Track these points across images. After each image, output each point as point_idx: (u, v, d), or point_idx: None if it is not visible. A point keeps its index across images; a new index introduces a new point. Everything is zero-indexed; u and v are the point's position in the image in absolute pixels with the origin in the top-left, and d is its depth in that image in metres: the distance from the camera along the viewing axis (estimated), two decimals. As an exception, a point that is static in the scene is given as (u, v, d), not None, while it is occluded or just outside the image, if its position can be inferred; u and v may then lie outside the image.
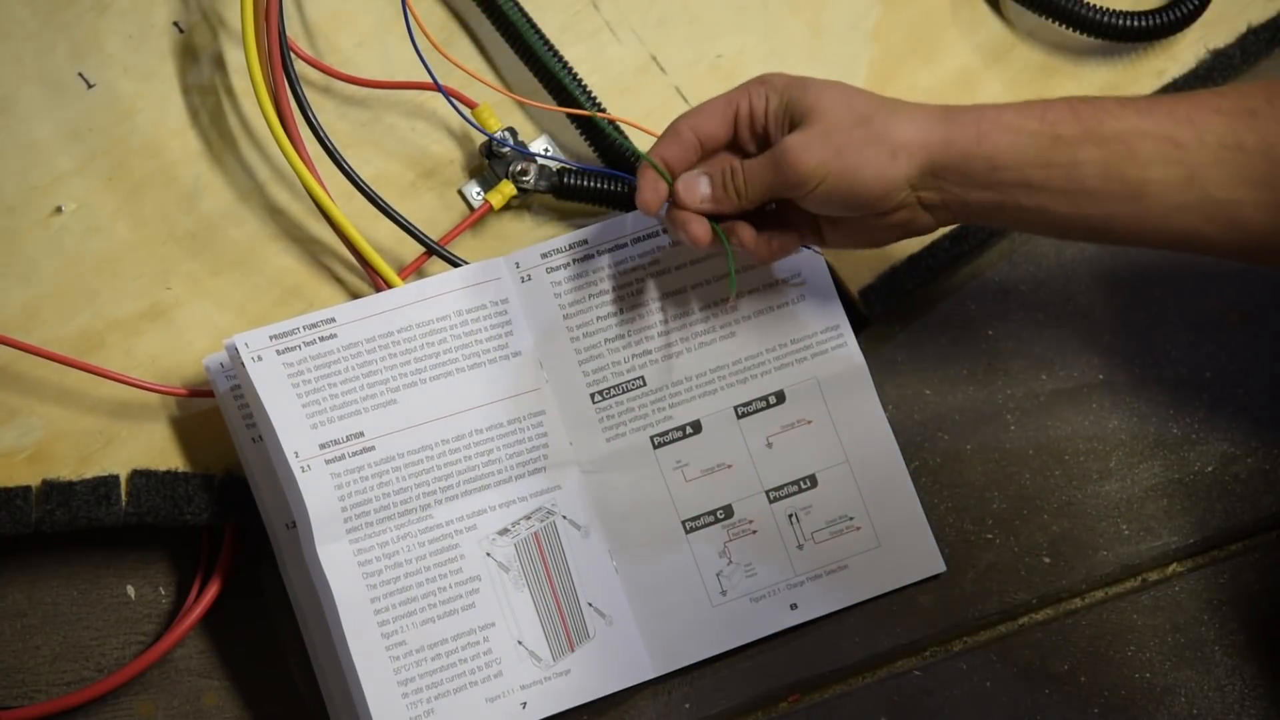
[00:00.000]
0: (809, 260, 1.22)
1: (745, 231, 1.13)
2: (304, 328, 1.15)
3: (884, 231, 1.12)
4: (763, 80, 1.12)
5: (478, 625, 1.16)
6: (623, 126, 1.24)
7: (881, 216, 1.10)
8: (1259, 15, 1.31)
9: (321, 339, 1.15)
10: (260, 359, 1.14)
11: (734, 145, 1.14)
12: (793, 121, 1.10)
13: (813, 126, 1.08)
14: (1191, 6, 1.28)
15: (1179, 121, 1.02)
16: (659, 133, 1.18)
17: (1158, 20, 1.28)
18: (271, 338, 1.14)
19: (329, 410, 1.14)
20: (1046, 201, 1.06)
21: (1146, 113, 1.04)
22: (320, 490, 1.13)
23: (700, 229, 1.12)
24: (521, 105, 1.26)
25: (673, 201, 1.12)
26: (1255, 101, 1.02)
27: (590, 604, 1.18)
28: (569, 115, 1.25)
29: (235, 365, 1.14)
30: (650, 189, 1.12)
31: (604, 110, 1.24)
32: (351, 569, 1.14)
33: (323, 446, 1.14)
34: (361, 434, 1.15)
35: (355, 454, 1.14)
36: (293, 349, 1.15)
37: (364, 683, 1.12)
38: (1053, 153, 1.05)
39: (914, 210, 1.10)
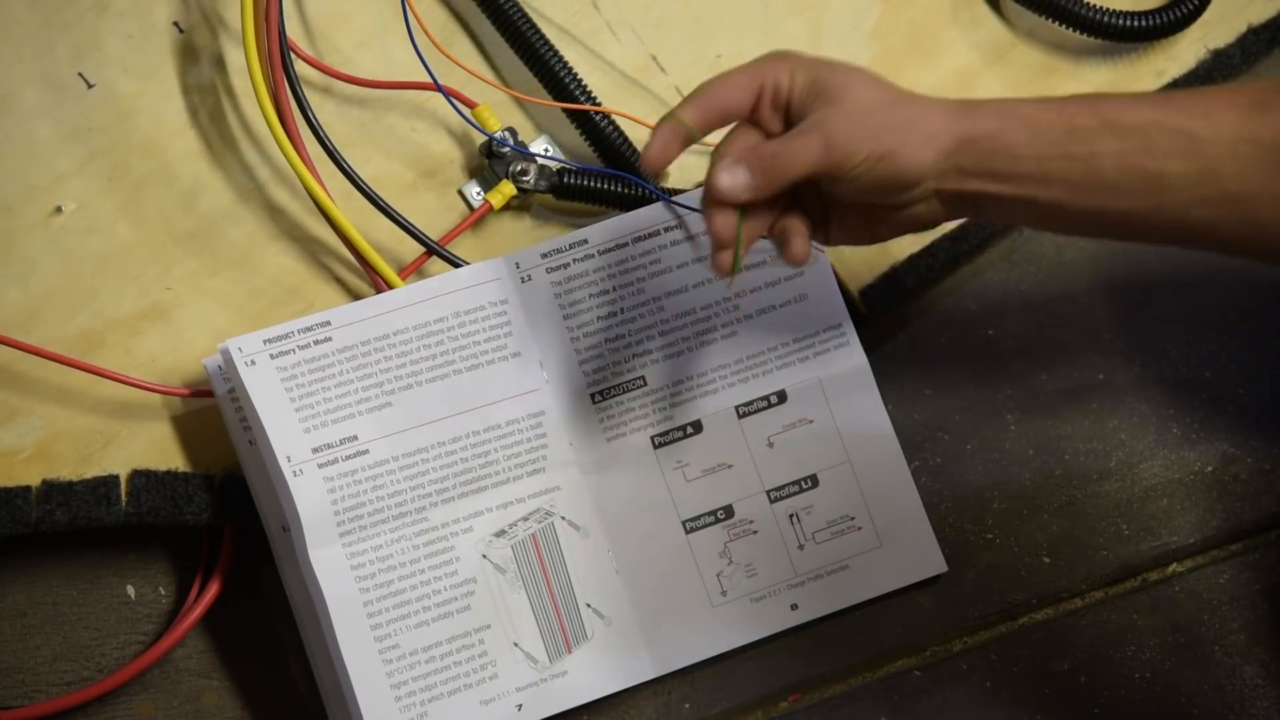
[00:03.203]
0: (811, 259, 1.22)
1: (799, 243, 1.10)
2: (298, 331, 1.15)
3: (892, 226, 1.11)
4: (784, 56, 1.09)
5: (473, 628, 1.16)
6: (622, 123, 1.24)
7: (898, 209, 1.09)
8: (1259, 15, 1.31)
9: (316, 342, 1.15)
10: (254, 363, 1.14)
11: (751, 120, 1.11)
12: (823, 96, 1.07)
13: (850, 106, 1.06)
14: (1191, 6, 1.28)
15: (1194, 115, 1.02)
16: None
17: (1158, 20, 1.28)
18: (265, 342, 1.14)
19: (323, 414, 1.14)
20: (1064, 195, 1.06)
21: (1163, 106, 1.03)
22: (313, 494, 1.13)
23: (726, 226, 1.08)
24: (522, 106, 1.26)
25: (709, 190, 1.08)
26: (1267, 95, 1.02)
27: (589, 605, 1.18)
28: (569, 115, 1.24)
29: (229, 370, 1.14)
30: (660, 147, 1.08)
31: (606, 117, 1.24)
32: (344, 573, 1.14)
33: (315, 450, 1.14)
34: (355, 437, 1.15)
35: (349, 458, 1.14)
36: (287, 353, 1.15)
37: (356, 686, 1.13)
38: (1071, 144, 1.04)
39: (929, 203, 1.09)
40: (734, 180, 1.07)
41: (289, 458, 1.13)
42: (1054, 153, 1.04)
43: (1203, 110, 1.02)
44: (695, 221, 1.21)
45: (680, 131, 1.08)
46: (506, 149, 1.23)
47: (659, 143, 1.08)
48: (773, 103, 1.09)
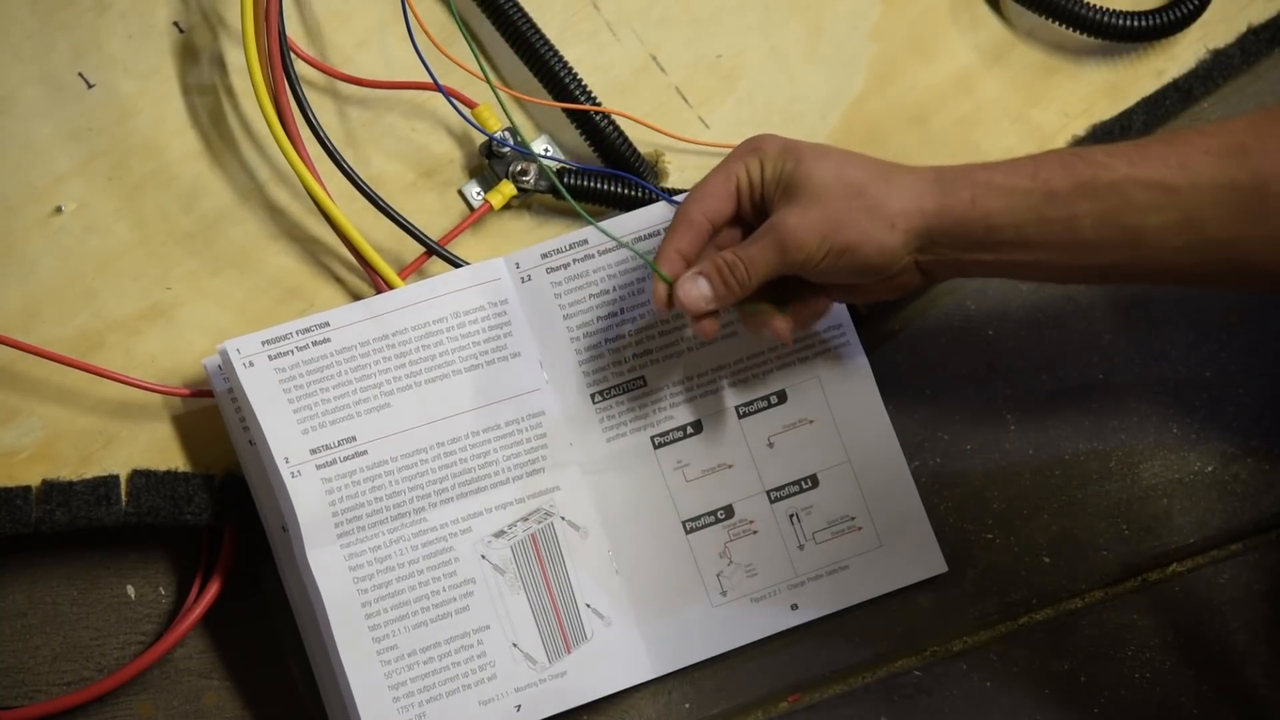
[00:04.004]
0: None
1: (780, 324, 1.14)
2: (297, 332, 1.15)
3: (888, 291, 1.12)
4: (754, 147, 1.12)
5: (471, 628, 1.16)
6: (622, 123, 1.24)
7: (883, 281, 1.11)
8: (1259, 15, 1.31)
9: (314, 343, 1.15)
10: (252, 364, 1.14)
11: (736, 216, 1.14)
12: (786, 191, 1.10)
13: (809, 201, 1.08)
14: (1191, 6, 1.28)
15: (1171, 167, 1.03)
16: (660, 128, 1.18)
17: (1158, 20, 1.28)
18: (264, 343, 1.14)
19: (321, 415, 1.14)
20: (1044, 256, 1.07)
21: (1138, 161, 1.04)
22: (311, 496, 1.13)
23: (709, 327, 1.13)
24: (522, 105, 1.26)
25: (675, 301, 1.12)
26: (1243, 138, 1.03)
27: (589, 605, 1.18)
28: (569, 115, 1.24)
29: (227, 371, 1.14)
30: (662, 295, 1.13)
31: (606, 117, 1.24)
32: (342, 574, 1.14)
33: (314, 452, 1.14)
34: (354, 438, 1.15)
35: (347, 459, 1.14)
36: (285, 354, 1.15)
37: (354, 686, 1.13)
38: (1048, 209, 1.05)
39: (910, 273, 1.10)
40: (697, 292, 1.11)
41: (287, 459, 1.13)
42: (1031, 218, 1.05)
43: (1179, 161, 1.03)
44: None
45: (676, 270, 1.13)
46: (506, 149, 1.23)
47: (661, 295, 1.13)
48: (750, 198, 1.11)
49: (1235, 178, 1.02)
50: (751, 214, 1.13)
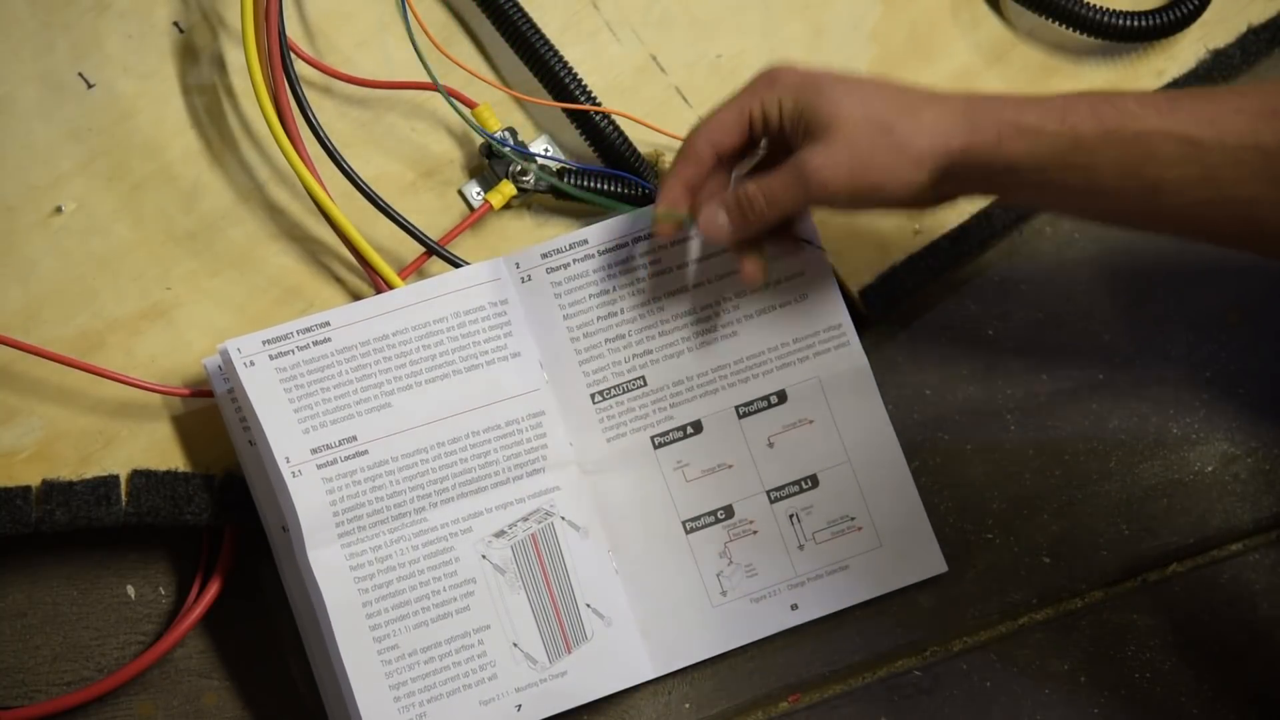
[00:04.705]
0: (811, 259, 1.22)
1: (751, 267, 1.15)
2: (298, 332, 1.15)
3: (897, 210, 1.12)
4: (771, 80, 1.11)
5: (472, 628, 1.16)
6: (622, 123, 1.24)
7: (897, 207, 1.11)
8: (1259, 15, 1.31)
9: (315, 343, 1.15)
10: (253, 364, 1.14)
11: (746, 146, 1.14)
12: (808, 127, 1.09)
13: (834, 139, 1.08)
14: (1191, 6, 1.28)
15: (1200, 122, 1.02)
16: (660, 127, 1.18)
17: (1158, 20, 1.28)
18: (264, 342, 1.14)
19: (322, 415, 1.14)
20: (1061, 198, 1.07)
21: (1168, 113, 1.03)
22: (312, 495, 1.13)
23: (753, 271, 1.15)
24: (522, 105, 1.26)
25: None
26: (1277, 101, 1.02)
27: (589, 605, 1.18)
28: (569, 115, 1.24)
29: (228, 370, 1.14)
30: (670, 229, 1.14)
31: (607, 117, 1.24)
32: (343, 573, 1.14)
33: (314, 451, 1.14)
34: (354, 438, 1.15)
35: (348, 458, 1.14)
36: (286, 354, 1.15)
37: (355, 686, 1.12)
38: (1072, 155, 1.05)
39: (929, 200, 1.10)
40: (715, 224, 1.12)
41: (288, 458, 1.13)
42: (1054, 163, 1.05)
43: (1209, 116, 1.02)
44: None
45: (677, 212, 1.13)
46: (506, 149, 1.23)
47: (666, 230, 1.14)
48: (764, 130, 1.10)
49: (1263, 139, 1.01)
50: (764, 142, 1.13)
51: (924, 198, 1.09)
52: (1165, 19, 1.28)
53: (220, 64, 1.24)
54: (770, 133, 1.11)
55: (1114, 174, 1.04)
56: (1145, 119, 1.04)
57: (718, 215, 1.12)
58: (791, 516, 1.21)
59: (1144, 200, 1.04)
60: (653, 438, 1.21)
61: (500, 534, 1.17)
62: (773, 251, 1.16)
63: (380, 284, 1.19)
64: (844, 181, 1.07)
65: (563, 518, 1.19)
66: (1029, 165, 1.05)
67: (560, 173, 1.24)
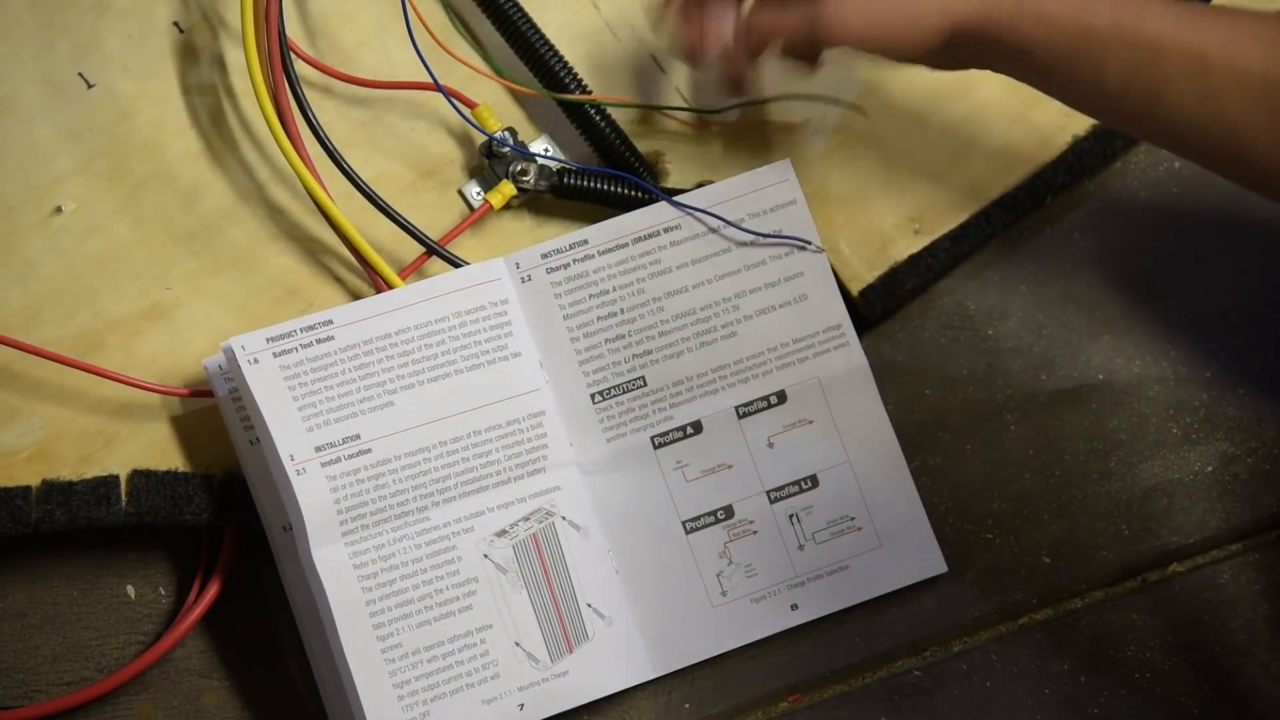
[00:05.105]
0: (811, 259, 1.22)
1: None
2: (301, 330, 1.15)
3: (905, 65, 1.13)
4: None
5: (474, 627, 1.16)
6: (622, 123, 1.24)
7: (906, 62, 1.11)
8: (1259, 15, 1.31)
9: (318, 341, 1.15)
10: (256, 362, 1.14)
11: None
12: None
13: None
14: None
15: (1216, 41, 1.02)
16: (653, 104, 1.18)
17: (1158, 19, 1.27)
18: (268, 340, 1.14)
19: (325, 413, 1.14)
20: (1065, 88, 1.08)
21: (1185, 23, 1.03)
22: (315, 493, 1.13)
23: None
24: (522, 106, 1.26)
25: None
26: None
27: (589, 605, 1.18)
28: (569, 115, 1.24)
29: (232, 368, 1.14)
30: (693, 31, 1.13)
31: (606, 117, 1.24)
32: (346, 572, 1.14)
33: (318, 449, 1.14)
34: (358, 436, 1.15)
35: (351, 457, 1.14)
36: (289, 351, 1.15)
37: (358, 685, 1.12)
38: (1083, 48, 1.04)
39: (935, 61, 1.10)
40: (716, 35, 1.12)
41: (292, 456, 1.13)
42: (1063, 53, 1.05)
43: (1225, 37, 1.02)
44: (692, 223, 1.21)
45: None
46: (506, 149, 1.23)
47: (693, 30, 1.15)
48: None
49: (1271, 71, 1.01)
50: None
51: (936, 61, 1.09)
52: (1165, 18, 1.27)
53: (220, 64, 1.24)
54: None
55: (1119, 75, 1.04)
56: (1162, 22, 1.03)
57: (724, 24, 1.12)
58: (791, 516, 1.21)
59: (1143, 107, 1.04)
60: (653, 438, 1.21)
61: (502, 533, 1.17)
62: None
63: (380, 284, 1.19)
64: (856, 31, 1.07)
65: (563, 517, 1.19)
66: (1040, 50, 1.05)
67: (560, 173, 1.24)
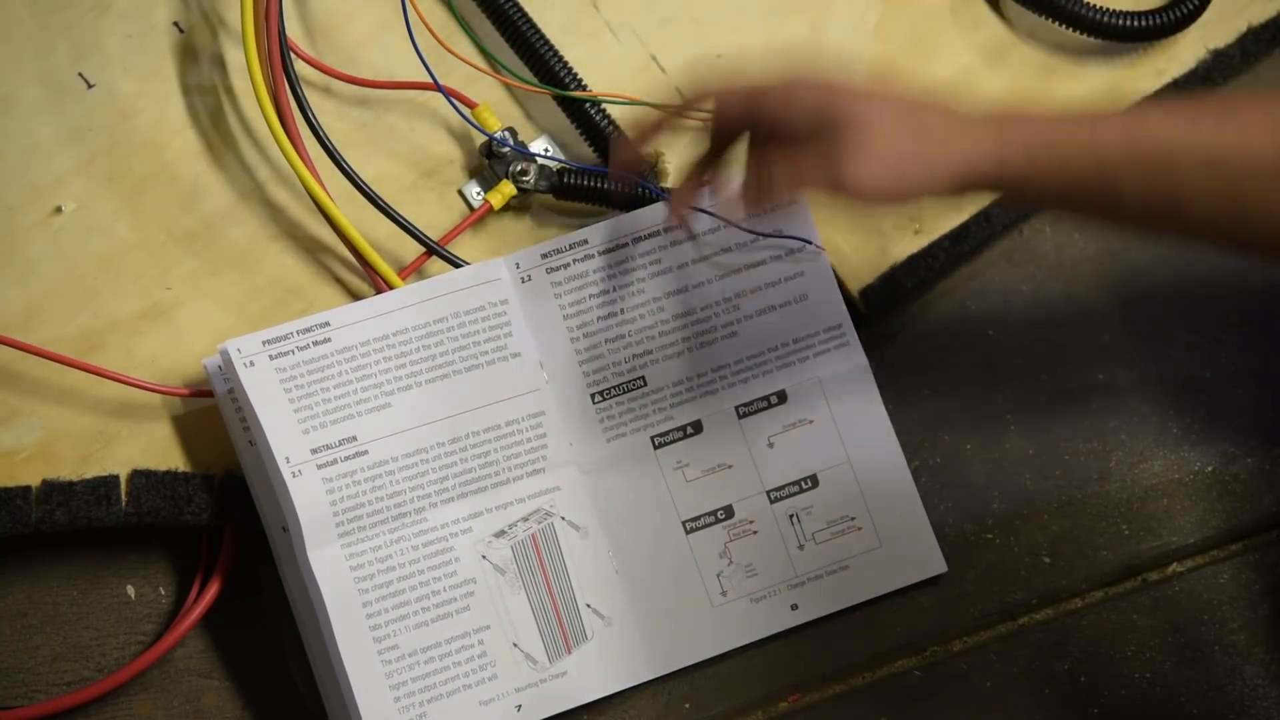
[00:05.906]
0: (811, 259, 1.22)
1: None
2: (298, 332, 1.15)
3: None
4: (789, 95, 1.07)
5: (472, 628, 1.16)
6: (622, 123, 1.24)
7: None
8: (1259, 15, 1.31)
9: (315, 343, 1.15)
10: (253, 364, 1.14)
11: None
12: (838, 127, 1.05)
13: (867, 145, 1.04)
14: (1191, 6, 1.27)
15: (1225, 137, 1.01)
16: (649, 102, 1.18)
17: (1158, 20, 1.27)
18: (264, 343, 1.14)
19: (322, 415, 1.14)
20: (1086, 213, 1.08)
21: (1195, 126, 1.02)
22: (311, 495, 1.13)
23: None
24: (522, 106, 1.26)
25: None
26: None
27: (589, 605, 1.18)
28: (569, 115, 1.24)
29: (228, 371, 1.14)
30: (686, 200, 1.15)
31: (606, 116, 1.24)
32: (343, 573, 1.14)
33: (314, 451, 1.14)
34: (354, 438, 1.15)
35: (348, 458, 1.14)
36: (286, 354, 1.15)
37: (355, 686, 1.12)
38: (1098, 175, 1.03)
39: (948, 201, 1.10)
40: (733, 201, 1.11)
41: (288, 458, 1.13)
42: (1079, 185, 1.04)
43: (1236, 129, 1.01)
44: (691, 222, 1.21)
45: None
46: (506, 149, 1.23)
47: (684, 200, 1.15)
48: (767, 130, 1.08)
49: None
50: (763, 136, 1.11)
51: (947, 199, 1.09)
52: (1165, 19, 1.27)
53: (220, 64, 1.24)
54: (783, 127, 1.09)
55: (1138, 191, 1.03)
56: (1174, 131, 1.02)
57: (736, 195, 1.10)
58: (791, 516, 1.21)
59: (1165, 217, 1.04)
60: (653, 438, 1.21)
61: (500, 534, 1.17)
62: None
63: (380, 284, 1.19)
64: (882, 190, 1.04)
65: (563, 518, 1.19)
66: (1053, 186, 1.05)
67: (560, 173, 1.24)
